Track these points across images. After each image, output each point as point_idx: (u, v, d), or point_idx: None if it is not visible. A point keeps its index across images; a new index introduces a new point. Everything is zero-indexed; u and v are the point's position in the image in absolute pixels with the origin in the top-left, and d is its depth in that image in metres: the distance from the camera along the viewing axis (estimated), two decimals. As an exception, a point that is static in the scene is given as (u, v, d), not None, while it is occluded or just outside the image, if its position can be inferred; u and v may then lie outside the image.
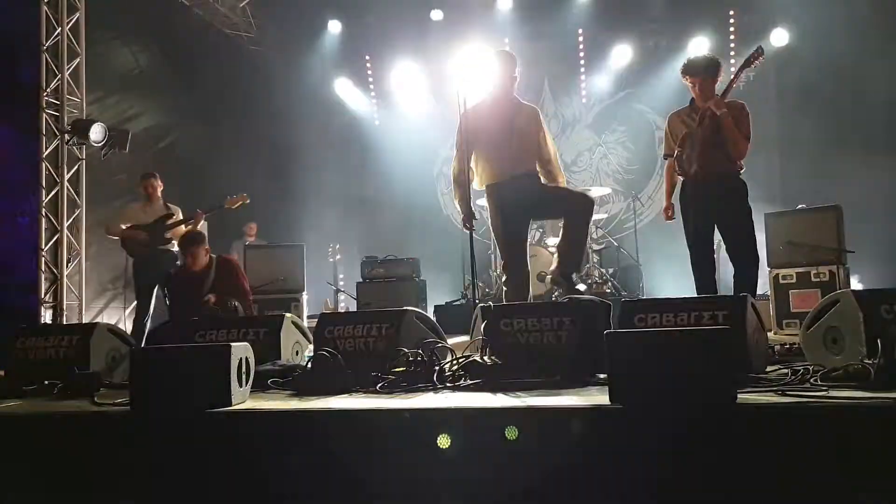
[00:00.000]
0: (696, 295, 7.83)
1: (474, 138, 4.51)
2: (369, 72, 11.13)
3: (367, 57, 11.06)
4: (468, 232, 6.61)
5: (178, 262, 6.50)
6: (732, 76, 4.67)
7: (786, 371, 2.92)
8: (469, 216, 4.90)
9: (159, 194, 7.12)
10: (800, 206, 6.15)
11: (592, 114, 10.45)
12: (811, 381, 2.66)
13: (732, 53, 9.55)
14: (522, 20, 10.06)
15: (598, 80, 10.35)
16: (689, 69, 4.68)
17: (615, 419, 2.47)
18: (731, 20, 9.61)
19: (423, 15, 10.24)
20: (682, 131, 4.75)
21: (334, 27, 10.66)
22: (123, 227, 6.91)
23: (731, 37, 9.63)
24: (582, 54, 10.40)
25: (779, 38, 9.19)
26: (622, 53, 10.06)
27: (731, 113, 4.49)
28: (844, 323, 2.99)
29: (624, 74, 10.22)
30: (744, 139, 4.50)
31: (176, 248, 6.75)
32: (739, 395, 2.41)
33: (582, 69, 10.42)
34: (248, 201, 7.25)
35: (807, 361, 3.11)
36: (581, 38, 10.33)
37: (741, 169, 4.63)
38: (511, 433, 2.41)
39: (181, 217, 6.93)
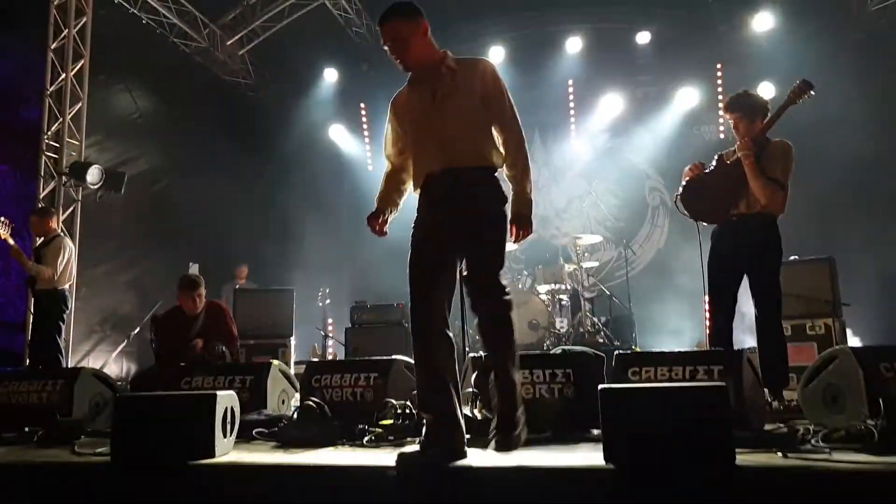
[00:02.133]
0: (702, 342, 7.87)
1: (401, 127, 3.25)
2: (363, 118, 11.24)
3: (362, 104, 11.18)
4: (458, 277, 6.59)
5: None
6: (773, 114, 4.21)
7: (785, 430, 2.86)
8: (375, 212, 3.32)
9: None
10: (792, 258, 6.16)
11: (583, 162, 10.54)
12: (812, 441, 2.60)
13: (721, 105, 9.70)
14: (514, 70, 10.20)
15: (588, 129, 10.48)
16: (728, 105, 4.38)
17: (610, 481, 2.40)
18: (719, 72, 9.80)
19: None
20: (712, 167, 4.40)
21: (330, 75, 10.80)
22: None
23: (720, 89, 9.80)
24: (572, 104, 10.55)
25: (766, 91, 9.37)
26: (611, 103, 10.21)
27: (769, 154, 4.13)
28: (844, 381, 2.94)
29: (614, 124, 10.36)
30: (769, 185, 4.05)
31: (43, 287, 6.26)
32: (739, 456, 2.35)
33: (572, 118, 10.57)
34: None
35: (806, 420, 3.05)
36: (571, 89, 10.50)
37: (776, 214, 4.20)
38: None
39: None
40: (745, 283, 4.17)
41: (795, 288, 5.65)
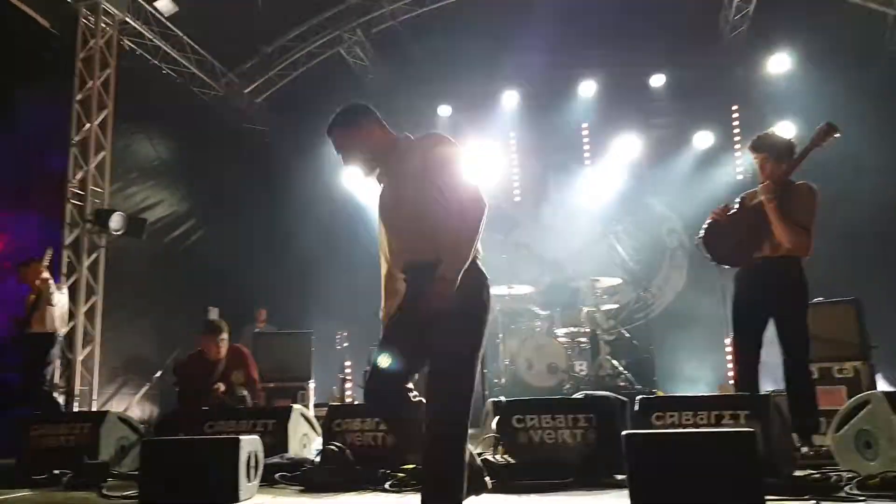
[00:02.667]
0: (723, 385, 7.75)
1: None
2: (378, 164, 11.37)
3: (378, 150, 11.32)
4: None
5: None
6: (796, 156, 4.10)
7: (817, 476, 2.80)
8: None
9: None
10: (817, 300, 6.08)
11: (598, 204, 10.56)
12: (847, 489, 2.55)
13: (738, 147, 9.75)
14: (528, 115, 10.37)
15: (603, 171, 10.54)
16: (754, 146, 4.27)
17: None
18: (735, 114, 9.87)
19: (430, 110, 10.59)
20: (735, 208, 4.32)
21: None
22: None
23: (735, 130, 9.85)
24: (587, 146, 10.65)
25: (784, 131, 9.40)
26: (627, 145, 10.27)
27: (793, 197, 4.04)
28: (877, 426, 2.89)
29: (629, 166, 10.40)
30: (793, 229, 3.95)
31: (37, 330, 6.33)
32: (768, 503, 2.33)
33: (587, 161, 10.64)
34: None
35: (837, 466, 3.00)
36: (586, 132, 10.61)
37: (801, 256, 4.09)
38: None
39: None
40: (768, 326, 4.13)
41: (822, 330, 5.53)
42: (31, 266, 6.34)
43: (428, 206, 2.70)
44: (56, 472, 3.98)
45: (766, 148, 4.18)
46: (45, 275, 6.19)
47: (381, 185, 2.96)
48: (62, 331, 6.55)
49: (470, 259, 2.67)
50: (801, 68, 9.30)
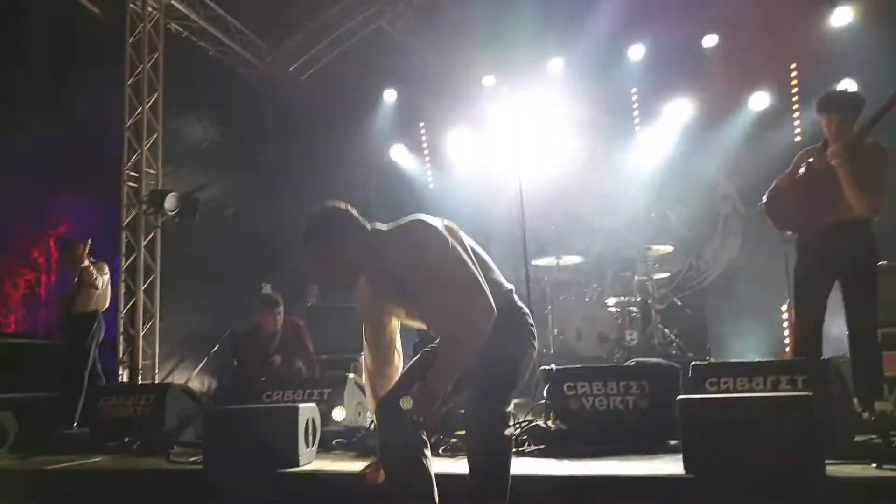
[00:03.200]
0: (778, 353, 7.61)
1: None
2: (423, 138, 11.39)
3: (422, 123, 11.34)
4: (524, 293, 6.60)
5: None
6: (870, 118, 3.86)
7: (878, 441, 2.75)
8: None
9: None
10: (881, 263, 5.86)
11: (649, 171, 10.35)
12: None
13: (796, 107, 9.41)
14: (574, 82, 10.13)
15: (654, 137, 10.29)
16: (822, 105, 4.04)
17: (691, 489, 2.38)
18: (793, 73, 9.46)
19: (475, 81, 10.50)
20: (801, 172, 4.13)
21: (389, 96, 11.02)
22: None
23: (794, 90, 9.46)
24: (636, 112, 10.39)
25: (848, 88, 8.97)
26: (678, 110, 10.01)
27: (864, 159, 3.86)
28: (943, 392, 2.82)
29: (681, 131, 10.13)
30: (866, 193, 3.80)
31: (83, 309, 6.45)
32: (829, 467, 2.29)
33: (637, 127, 10.41)
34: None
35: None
36: (635, 97, 10.36)
37: (871, 218, 3.94)
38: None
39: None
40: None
41: (887, 294, 5.38)
42: (72, 248, 6.50)
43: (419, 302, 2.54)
44: (126, 439, 4.20)
45: (835, 108, 3.98)
46: (86, 263, 6.34)
47: (369, 283, 2.70)
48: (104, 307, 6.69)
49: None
50: (865, 22, 8.80)
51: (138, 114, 8.46)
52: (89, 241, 6.61)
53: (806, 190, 4.06)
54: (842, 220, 3.93)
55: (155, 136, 8.66)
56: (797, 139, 9.21)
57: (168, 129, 8.90)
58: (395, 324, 2.77)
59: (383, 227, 2.65)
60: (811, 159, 4.12)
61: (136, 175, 8.46)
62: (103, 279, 6.48)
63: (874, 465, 2.38)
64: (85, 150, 8.25)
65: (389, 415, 2.47)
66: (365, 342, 2.75)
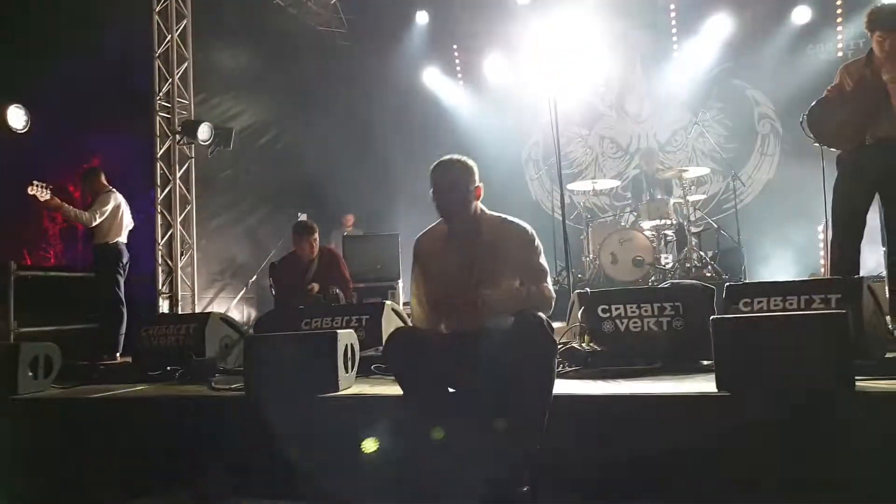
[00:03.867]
0: (815, 273, 7.54)
1: (429, 279, 3.05)
2: (457, 60, 11.17)
3: (455, 46, 11.10)
4: (560, 218, 6.58)
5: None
6: None
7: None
8: None
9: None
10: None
11: (687, 90, 10.06)
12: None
13: (839, 21, 8.99)
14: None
15: (692, 55, 9.94)
16: (872, 21, 3.88)
17: (723, 407, 2.42)
18: (838, -13, 9.01)
19: (509, 0, 10.18)
20: (848, 87, 3.99)
21: (422, 18, 10.75)
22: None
23: (838, 5, 9.04)
24: (675, 30, 10.04)
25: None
26: (717, 26, 9.63)
27: None
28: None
29: (719, 48, 9.78)
30: None
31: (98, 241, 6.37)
32: (859, 383, 2.31)
33: (675, 45, 10.06)
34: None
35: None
36: (673, 13, 9.99)
37: None
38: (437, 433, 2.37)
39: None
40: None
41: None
42: (90, 178, 6.48)
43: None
44: (168, 368, 4.33)
45: (888, 24, 3.82)
46: (53, 200, 6.03)
47: (435, 236, 3.08)
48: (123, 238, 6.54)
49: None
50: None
51: (167, 42, 8.40)
52: (98, 169, 6.59)
53: (851, 104, 3.96)
54: (887, 136, 3.87)
55: (185, 64, 8.62)
56: (839, 54, 8.84)
57: (199, 58, 8.84)
58: None
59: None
60: (857, 74, 4.00)
61: (168, 105, 8.47)
62: (103, 211, 6.25)
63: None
64: (116, 81, 8.27)
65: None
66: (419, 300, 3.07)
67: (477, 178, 2.96)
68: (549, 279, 2.85)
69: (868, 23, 3.94)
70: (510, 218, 2.98)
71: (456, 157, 2.99)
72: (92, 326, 6.43)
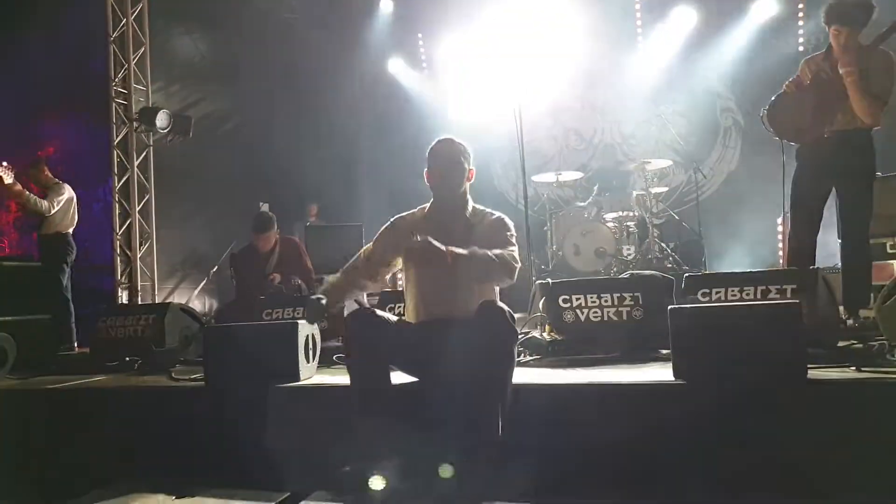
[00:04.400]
0: (775, 265, 7.70)
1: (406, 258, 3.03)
2: (422, 50, 11.12)
3: (420, 35, 11.05)
4: (522, 208, 6.60)
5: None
6: (886, 29, 3.81)
7: (860, 346, 2.84)
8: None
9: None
10: (878, 174, 5.87)
11: (650, 84, 10.16)
12: (888, 355, 2.58)
13: (801, 14, 9.15)
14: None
15: (655, 48, 10.06)
16: (830, 15, 3.92)
17: (678, 396, 2.46)
18: (801, -20, 9.17)
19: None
20: (807, 81, 4.06)
21: (386, 6, 10.67)
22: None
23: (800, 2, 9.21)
24: (639, 21, 10.14)
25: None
26: (681, 19, 9.74)
27: (872, 68, 3.80)
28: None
29: (683, 42, 9.89)
30: (875, 103, 3.81)
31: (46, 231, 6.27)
32: (812, 371, 2.37)
33: (639, 37, 10.17)
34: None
35: (882, 337, 3.01)
36: (638, 5, 10.08)
37: (873, 128, 3.96)
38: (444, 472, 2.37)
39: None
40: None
41: (880, 206, 5.41)
42: (36, 168, 6.36)
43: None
44: (127, 359, 4.26)
45: (844, 18, 3.89)
46: (16, 186, 6.07)
47: (417, 219, 3.09)
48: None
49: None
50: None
51: (122, 25, 8.19)
52: (43, 159, 6.45)
53: (809, 98, 4.04)
54: (843, 130, 3.96)
55: (142, 49, 8.42)
56: (800, 49, 9.01)
57: (156, 44, 8.64)
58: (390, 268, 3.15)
59: None
60: (816, 68, 4.09)
61: (125, 92, 8.28)
62: (59, 200, 6.21)
63: (853, 368, 2.45)
64: (71, 66, 8.05)
65: None
66: (367, 254, 3.10)
67: (472, 161, 3.06)
68: (517, 257, 2.86)
69: (825, 17, 4.00)
70: (497, 213, 3.07)
71: (455, 138, 3.09)
72: (46, 317, 6.29)
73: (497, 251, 2.76)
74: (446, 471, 2.36)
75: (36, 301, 6.41)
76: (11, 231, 9.05)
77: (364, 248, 3.15)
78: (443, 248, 2.67)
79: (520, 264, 2.83)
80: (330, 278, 3.12)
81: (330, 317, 4.40)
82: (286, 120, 10.11)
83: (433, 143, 3.08)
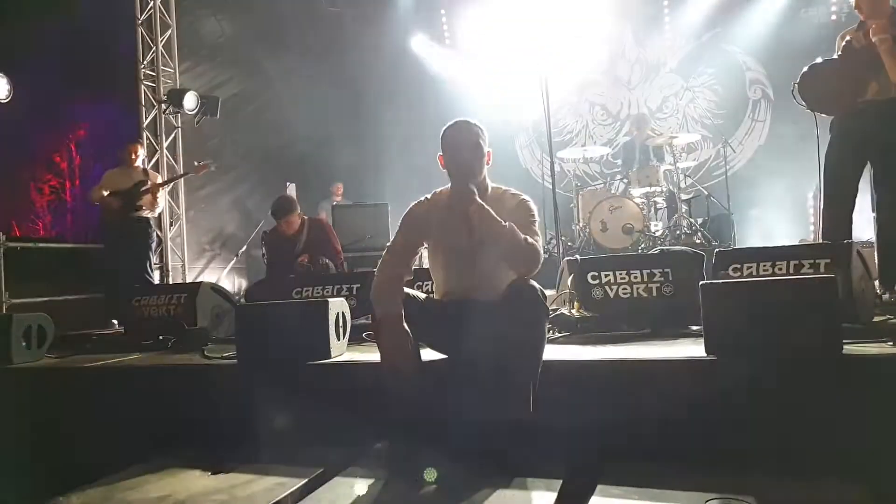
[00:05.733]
0: (806, 239, 7.59)
1: (430, 239, 3.02)
2: (445, 26, 11.04)
3: (443, 11, 10.97)
4: (549, 186, 6.56)
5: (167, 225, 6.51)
6: None
7: (895, 320, 2.80)
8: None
9: (139, 161, 6.70)
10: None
11: (678, 57, 10.01)
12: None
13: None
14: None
15: (683, 20, 9.88)
16: None
17: (710, 372, 2.44)
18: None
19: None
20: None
21: (409, -18, 10.62)
22: (104, 193, 6.39)
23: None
24: (666, -7, 9.98)
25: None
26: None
27: None
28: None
29: (710, 13, 9.71)
30: None
31: (149, 215, 6.54)
32: (847, 346, 2.33)
33: (666, 10, 9.99)
34: (213, 168, 7.14)
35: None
36: (665, -22, 9.92)
37: None
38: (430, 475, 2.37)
39: (152, 184, 6.51)
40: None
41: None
42: (131, 149, 6.61)
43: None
44: (161, 337, 4.34)
45: None
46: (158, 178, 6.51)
47: (438, 202, 2.98)
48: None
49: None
50: None
51: (150, 9, 8.26)
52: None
53: (843, 70, 3.98)
54: (878, 100, 3.88)
55: (169, 31, 8.49)
56: (832, 17, 8.79)
57: (183, 25, 8.71)
58: (418, 254, 3.08)
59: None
60: (849, 38, 3.99)
61: (153, 74, 8.36)
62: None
63: (890, 343, 2.42)
64: (100, 49, 8.15)
65: None
66: (394, 252, 2.95)
67: (488, 143, 2.91)
68: (539, 241, 2.77)
69: None
70: (514, 190, 2.95)
71: (470, 119, 2.93)
72: (84, 297, 6.43)
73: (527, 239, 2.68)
74: (431, 475, 2.38)
75: (73, 280, 6.58)
76: (46, 213, 9.23)
77: (390, 244, 3.00)
78: (478, 201, 2.65)
79: (542, 256, 2.73)
80: (376, 294, 2.82)
81: (359, 294, 4.47)
82: (311, 99, 10.13)
83: (447, 126, 2.93)
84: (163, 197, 6.63)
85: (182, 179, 8.37)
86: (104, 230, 6.56)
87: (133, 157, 6.59)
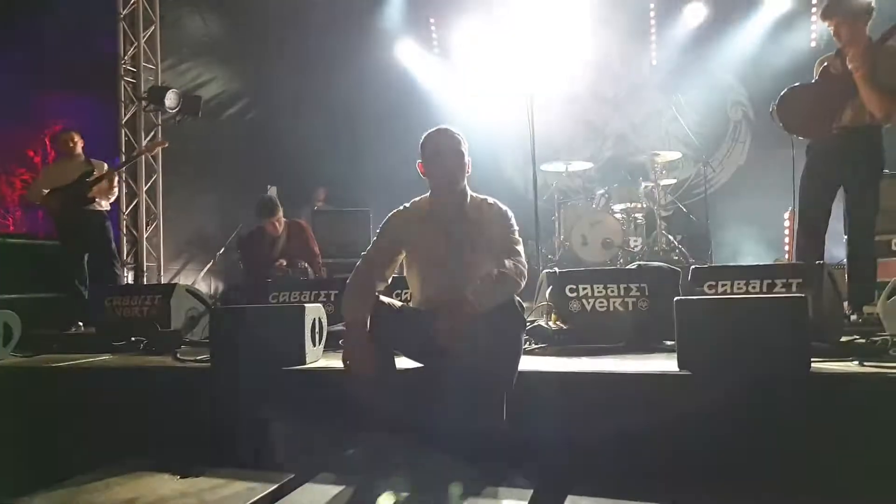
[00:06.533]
0: (781, 260, 7.68)
1: (408, 248, 2.97)
2: (434, 34, 11.07)
3: (432, 19, 11.00)
4: (531, 197, 6.59)
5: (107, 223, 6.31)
6: (891, 26, 3.80)
7: (863, 341, 2.85)
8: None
9: (79, 151, 6.22)
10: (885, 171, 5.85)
11: (661, 75, 10.14)
12: (891, 351, 2.59)
13: (814, 10, 9.08)
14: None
15: (668, 40, 10.02)
16: (826, 11, 3.93)
17: (683, 386, 2.47)
18: (813, -26, 9.12)
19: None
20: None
21: (398, -9, 10.65)
22: (44, 192, 6.05)
23: (815, -7, 9.16)
24: (652, 13, 10.08)
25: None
26: (694, 12, 9.70)
27: (883, 62, 3.76)
28: (927, 295, 2.88)
29: (696, 34, 9.86)
30: (886, 98, 3.77)
31: (103, 207, 6.19)
32: (815, 364, 2.37)
33: (652, 29, 10.11)
34: (165, 145, 6.95)
35: (885, 332, 3.01)
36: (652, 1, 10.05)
37: (884, 125, 3.94)
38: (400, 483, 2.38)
39: (104, 172, 6.10)
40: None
41: (883, 203, 5.40)
42: (68, 139, 6.25)
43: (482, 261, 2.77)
44: (133, 339, 4.28)
45: (839, 11, 3.90)
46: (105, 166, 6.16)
47: (418, 210, 2.97)
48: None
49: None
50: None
51: (132, 3, 8.17)
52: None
53: (820, 94, 4.04)
54: (852, 126, 3.95)
55: (152, 27, 8.40)
56: (812, 45, 8.96)
57: (167, 22, 8.62)
58: (396, 264, 3.03)
59: None
60: (826, 64, 4.08)
61: (134, 70, 8.27)
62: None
63: (856, 362, 2.46)
64: (80, 43, 8.03)
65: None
66: (369, 260, 2.94)
67: (468, 151, 2.91)
68: (522, 254, 2.79)
69: (822, 14, 4.01)
70: (490, 199, 2.94)
71: (450, 127, 2.92)
72: (55, 295, 6.29)
73: (506, 264, 2.66)
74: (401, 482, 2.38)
75: (43, 278, 6.43)
76: (16, 208, 9.07)
77: (367, 251, 2.99)
78: (465, 306, 2.53)
79: (527, 267, 2.73)
80: (345, 299, 2.83)
81: (337, 300, 4.45)
82: (295, 103, 10.10)
83: (428, 133, 2.91)
84: (117, 183, 6.33)
85: (160, 179, 8.30)
86: (57, 229, 6.20)
87: (71, 145, 6.15)
